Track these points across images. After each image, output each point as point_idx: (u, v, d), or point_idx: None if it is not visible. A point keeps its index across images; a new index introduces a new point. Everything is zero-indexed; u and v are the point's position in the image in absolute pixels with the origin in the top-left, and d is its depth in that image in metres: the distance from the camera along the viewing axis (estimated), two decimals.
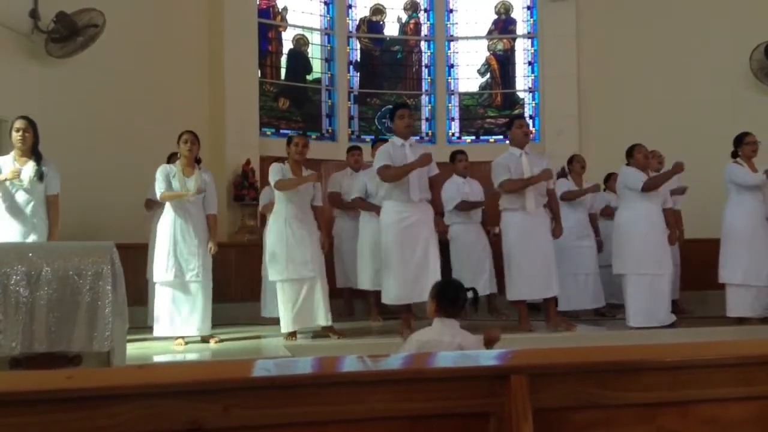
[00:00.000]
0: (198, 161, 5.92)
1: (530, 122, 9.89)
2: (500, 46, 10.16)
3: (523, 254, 6.13)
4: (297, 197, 5.82)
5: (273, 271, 5.87)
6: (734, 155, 6.64)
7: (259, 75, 9.11)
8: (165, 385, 1.46)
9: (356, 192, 6.91)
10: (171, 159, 6.32)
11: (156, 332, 5.69)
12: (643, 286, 6.30)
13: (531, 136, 6.33)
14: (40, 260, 3.80)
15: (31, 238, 5.27)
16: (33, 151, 5.35)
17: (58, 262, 3.82)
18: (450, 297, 3.45)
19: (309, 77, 9.70)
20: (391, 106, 6.95)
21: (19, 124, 5.31)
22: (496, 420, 1.59)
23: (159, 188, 5.74)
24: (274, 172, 5.83)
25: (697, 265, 7.42)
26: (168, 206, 5.78)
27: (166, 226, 5.74)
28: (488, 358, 1.80)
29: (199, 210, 5.82)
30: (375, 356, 1.80)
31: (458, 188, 7.21)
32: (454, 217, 7.18)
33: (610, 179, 7.65)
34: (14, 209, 5.29)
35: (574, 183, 7.20)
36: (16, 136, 5.29)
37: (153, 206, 6.56)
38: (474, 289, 3.57)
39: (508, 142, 6.47)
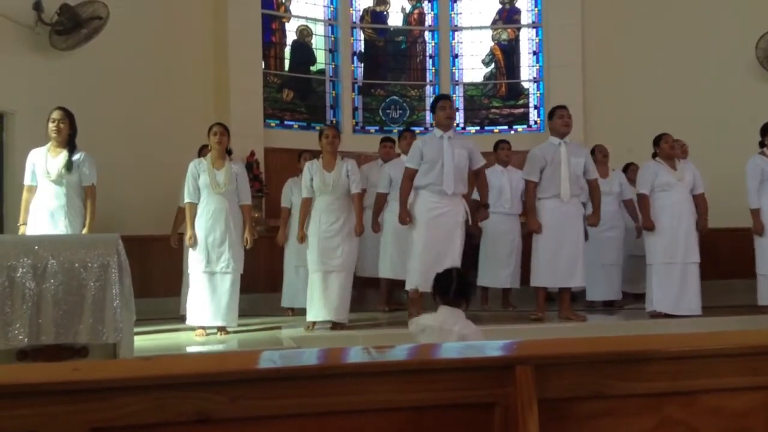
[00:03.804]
0: (229, 152, 5.89)
1: (535, 112, 9.89)
2: (505, 36, 10.12)
3: (552, 242, 6.15)
4: (328, 189, 5.85)
5: (307, 261, 5.95)
6: (762, 144, 6.60)
7: (263, 66, 9.11)
8: (172, 377, 1.47)
9: (382, 187, 6.87)
10: (202, 151, 6.33)
11: (187, 321, 5.74)
12: (671, 275, 6.30)
13: (571, 125, 6.31)
14: (46, 253, 3.81)
15: (61, 231, 5.19)
16: (68, 143, 5.29)
17: (63, 254, 3.83)
18: (442, 286, 3.48)
19: (313, 68, 9.69)
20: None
21: (55, 114, 5.26)
22: (501, 410, 1.59)
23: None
24: (300, 183, 6.16)
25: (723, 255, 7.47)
26: (203, 198, 5.74)
27: (200, 218, 5.73)
28: (494, 348, 1.80)
29: (232, 202, 5.77)
30: (380, 347, 1.80)
31: (496, 177, 7.07)
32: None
33: (628, 170, 7.61)
34: (44, 203, 5.25)
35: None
36: (51, 126, 5.24)
37: (180, 215, 6.30)
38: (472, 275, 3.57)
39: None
